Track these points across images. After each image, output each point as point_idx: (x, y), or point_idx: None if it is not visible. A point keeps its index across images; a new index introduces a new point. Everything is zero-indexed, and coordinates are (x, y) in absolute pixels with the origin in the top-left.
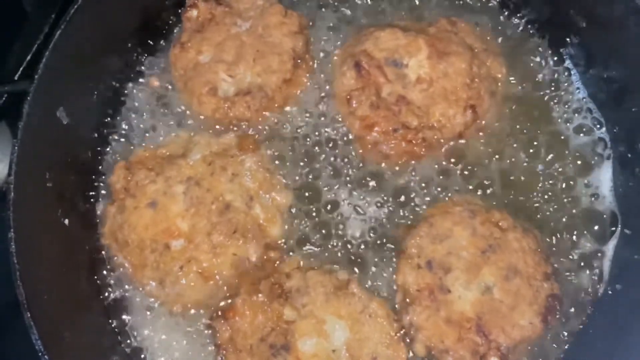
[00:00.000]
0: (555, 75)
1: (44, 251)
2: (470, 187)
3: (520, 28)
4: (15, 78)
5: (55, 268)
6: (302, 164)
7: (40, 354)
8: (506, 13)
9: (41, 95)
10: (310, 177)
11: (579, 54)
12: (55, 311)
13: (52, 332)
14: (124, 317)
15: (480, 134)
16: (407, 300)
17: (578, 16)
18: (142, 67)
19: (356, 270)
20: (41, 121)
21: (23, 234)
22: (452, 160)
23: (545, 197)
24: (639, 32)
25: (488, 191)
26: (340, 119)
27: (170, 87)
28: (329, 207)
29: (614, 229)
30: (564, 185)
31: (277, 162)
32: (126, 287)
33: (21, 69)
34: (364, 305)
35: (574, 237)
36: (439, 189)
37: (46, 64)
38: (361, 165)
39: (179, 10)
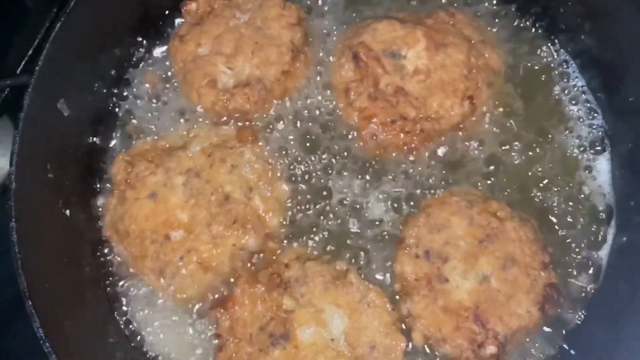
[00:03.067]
0: (553, 66)
1: (45, 241)
2: (468, 178)
3: (519, 19)
4: (17, 72)
5: (57, 258)
6: (300, 155)
7: (41, 341)
8: (505, 4)
9: (42, 87)
10: (309, 168)
11: (576, 44)
12: (57, 300)
13: (53, 320)
14: (124, 306)
15: (478, 124)
16: (405, 289)
17: (576, 7)
18: (142, 60)
19: (355, 260)
20: (42, 113)
21: (24, 223)
22: (450, 151)
23: (543, 187)
24: (634, 22)
25: (486, 182)
26: (338, 111)
27: (170, 79)
28: (327, 198)
29: (612, 218)
30: (562, 176)
31: (276, 153)
32: (127, 277)
33: (23, 63)
34: (362, 294)
35: (572, 227)
36: (437, 180)
37: (47, 56)
38: (360, 156)
39: (179, 3)
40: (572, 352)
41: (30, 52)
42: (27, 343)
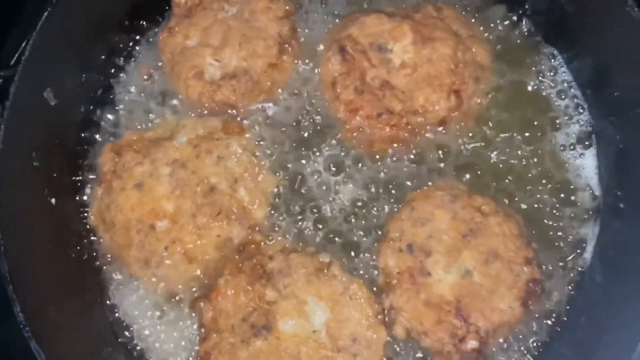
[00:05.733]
0: (541, 61)
1: (29, 228)
2: (454, 173)
3: (507, 14)
4: (11, 64)
5: (41, 245)
6: (286, 147)
7: (21, 326)
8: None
9: (28, 76)
10: (295, 160)
11: (564, 38)
12: (40, 287)
13: (36, 306)
14: (109, 295)
15: (465, 119)
16: (388, 282)
17: (564, 2)
18: (131, 51)
19: (338, 252)
20: (28, 101)
21: (8, 210)
22: (436, 145)
23: (529, 182)
24: (621, 18)
25: (471, 176)
26: (325, 104)
27: (158, 71)
28: (313, 190)
29: (597, 215)
30: (548, 171)
31: (262, 145)
32: (112, 266)
33: (16, 54)
34: (344, 287)
35: (558, 223)
36: (422, 174)
37: (33, 45)
38: (346, 149)
39: None
40: (555, 347)
41: (24, 44)
42: (19, 342)
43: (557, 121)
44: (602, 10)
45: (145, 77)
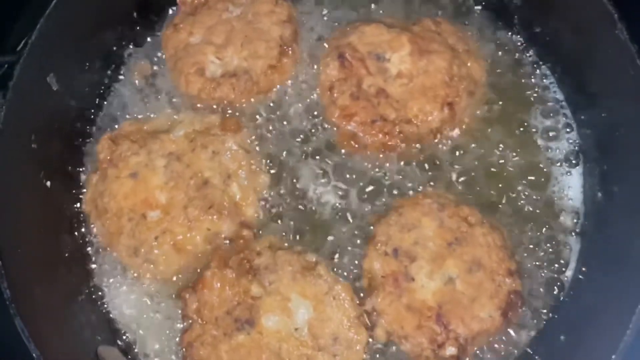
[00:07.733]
0: (533, 79)
1: (23, 208)
2: (442, 182)
3: (503, 32)
4: (17, 50)
5: (33, 225)
6: (281, 147)
7: (8, 302)
8: (490, 18)
9: (33, 60)
10: (288, 161)
11: (555, 58)
12: (29, 266)
13: (23, 284)
14: (96, 281)
15: (457, 131)
16: (372, 285)
17: (556, 22)
18: (136, 45)
19: (325, 253)
20: (31, 84)
21: (3, 189)
22: (427, 154)
23: (516, 197)
24: (611, 39)
25: (459, 187)
26: (321, 108)
27: (160, 65)
28: (304, 191)
29: (581, 233)
30: (535, 188)
31: (257, 144)
32: (101, 252)
33: (23, 42)
34: (329, 287)
35: (541, 237)
36: (412, 182)
37: (40, 30)
38: (339, 153)
39: None
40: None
41: (31, 32)
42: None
43: (547, 139)
44: (592, 32)
45: (147, 70)
